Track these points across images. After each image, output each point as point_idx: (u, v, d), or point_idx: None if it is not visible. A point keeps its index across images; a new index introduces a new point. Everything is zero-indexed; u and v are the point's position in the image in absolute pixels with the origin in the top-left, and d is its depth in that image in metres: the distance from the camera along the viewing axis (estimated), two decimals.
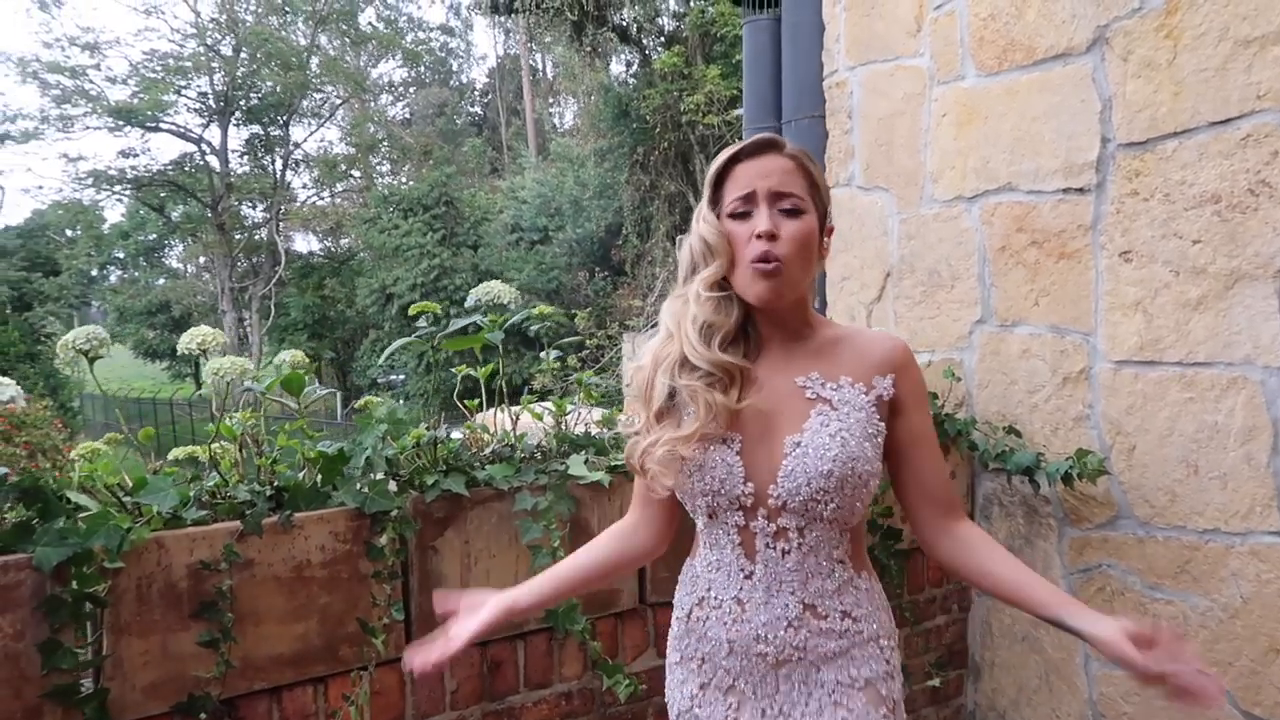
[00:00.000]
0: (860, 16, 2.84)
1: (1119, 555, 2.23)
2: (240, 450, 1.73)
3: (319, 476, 1.72)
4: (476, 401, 2.02)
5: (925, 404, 1.34)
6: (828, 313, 2.92)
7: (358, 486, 1.70)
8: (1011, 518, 2.49)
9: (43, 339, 21.86)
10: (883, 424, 1.28)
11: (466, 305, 1.95)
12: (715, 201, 1.30)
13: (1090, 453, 2.21)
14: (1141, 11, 2.13)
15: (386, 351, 2.02)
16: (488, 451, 1.89)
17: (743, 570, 1.28)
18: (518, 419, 2.01)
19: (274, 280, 24.82)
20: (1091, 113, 2.23)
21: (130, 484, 1.59)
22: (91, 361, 1.59)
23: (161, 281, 29.67)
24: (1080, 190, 2.26)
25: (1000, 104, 2.43)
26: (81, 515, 1.47)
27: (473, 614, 1.34)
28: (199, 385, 1.81)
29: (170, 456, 1.78)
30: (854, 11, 2.85)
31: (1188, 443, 2.08)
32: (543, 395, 2.25)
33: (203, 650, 1.55)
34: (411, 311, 1.88)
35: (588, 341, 14.15)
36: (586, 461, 1.94)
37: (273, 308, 24.94)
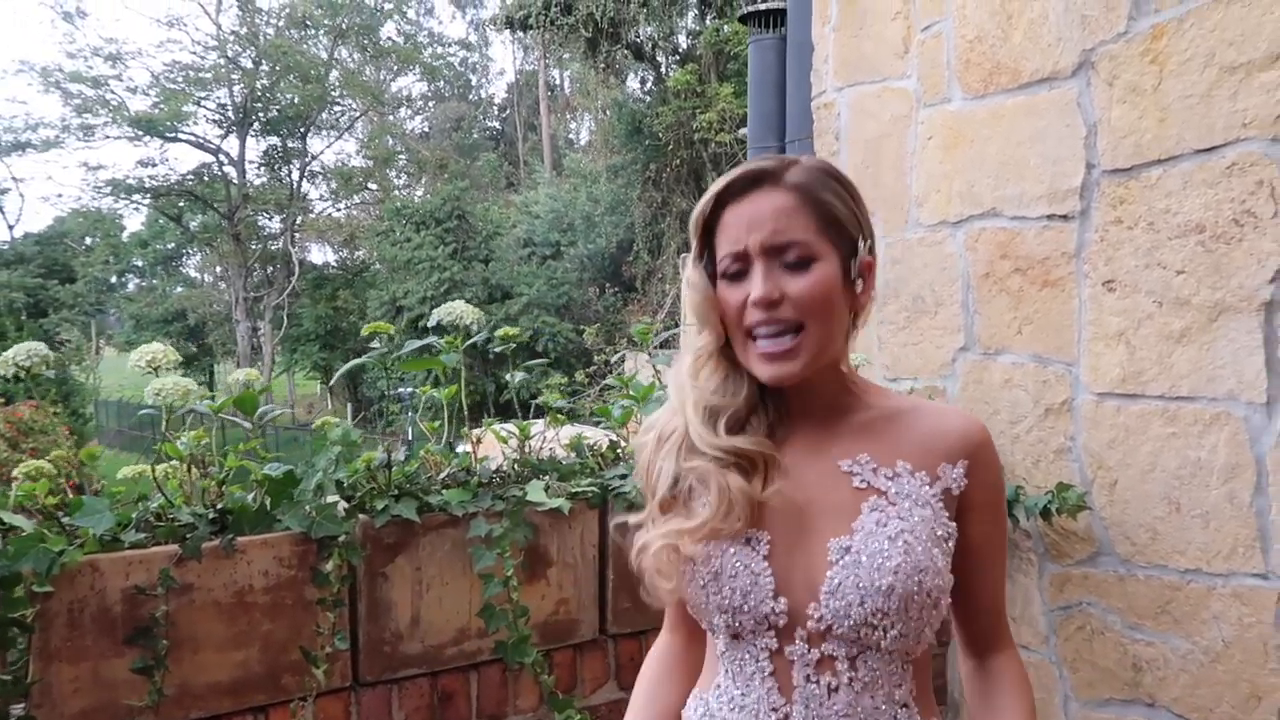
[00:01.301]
0: (849, 37, 2.80)
1: (1100, 593, 2.16)
2: (189, 471, 1.70)
3: (267, 499, 1.68)
4: (437, 424, 1.98)
5: (1002, 505, 1.08)
6: None
7: (305, 510, 1.66)
8: None
9: (57, 345, 22.03)
10: (953, 524, 1.02)
11: (429, 325, 1.91)
12: (703, 255, 1.04)
13: (1070, 487, 2.15)
14: (1127, 36, 2.08)
15: (338, 373, 1.99)
16: (443, 475, 1.84)
17: (775, 711, 0.99)
18: (479, 441, 1.97)
19: (288, 291, 24.97)
20: (1076, 138, 2.18)
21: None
22: (34, 379, 1.56)
23: (179, 290, 29.92)
24: (1064, 217, 2.20)
25: (986, 128, 2.38)
26: (13, 537, 1.43)
27: None
28: (212, 392, 1.79)
29: (119, 475, 1.74)
30: (842, 32, 2.82)
31: (1170, 479, 2.01)
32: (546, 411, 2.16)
33: (136, 678, 1.51)
34: (364, 332, 1.85)
35: (595, 357, 14.12)
36: (547, 488, 1.89)
37: (285, 318, 25.06)
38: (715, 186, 1.04)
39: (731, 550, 1.00)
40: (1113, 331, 2.10)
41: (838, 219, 1.01)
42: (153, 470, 1.65)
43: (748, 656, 1.01)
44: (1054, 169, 2.22)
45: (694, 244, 1.06)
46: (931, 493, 1.01)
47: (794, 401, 1.06)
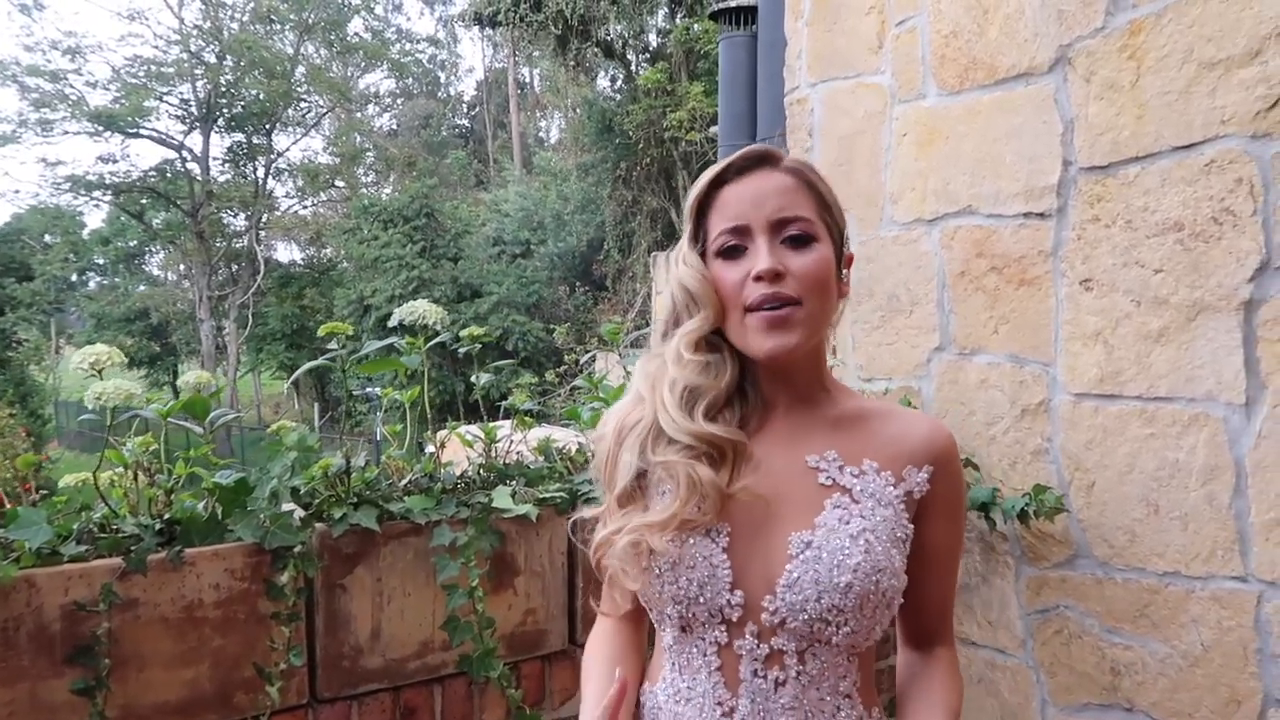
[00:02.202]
0: (822, 32, 2.75)
1: (1077, 596, 2.13)
2: (134, 479, 1.61)
3: (218, 508, 1.60)
4: (400, 427, 1.91)
5: (961, 513, 1.08)
6: None
7: (259, 519, 1.58)
8: (968, 554, 2.38)
9: (14, 345, 21.52)
10: (911, 526, 1.02)
11: (390, 325, 1.84)
12: (698, 237, 1.04)
13: (1048, 489, 2.11)
14: (1105, 31, 2.05)
15: (295, 374, 1.91)
16: (405, 481, 1.77)
17: (720, 705, 0.99)
18: (443, 445, 1.90)
19: (253, 289, 24.58)
20: (1053, 135, 2.15)
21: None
22: None
23: (141, 288, 29.36)
24: (1041, 215, 2.17)
25: (961, 124, 2.35)
26: None
27: None
28: (176, 394, 1.71)
29: (61, 484, 1.65)
30: (816, 27, 2.77)
31: (1148, 480, 1.99)
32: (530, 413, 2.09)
33: (77, 699, 1.42)
34: (321, 333, 1.77)
35: (566, 357, 14.03)
36: (514, 494, 1.82)
37: (251, 317, 24.67)
38: (713, 168, 1.04)
39: (691, 541, 0.99)
40: (1090, 331, 2.07)
41: (830, 207, 1.05)
42: (95, 478, 1.56)
43: (695, 650, 1.01)
44: (1030, 166, 2.19)
45: (688, 226, 1.05)
46: (895, 494, 1.01)
47: (769, 391, 1.05)
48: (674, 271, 1.04)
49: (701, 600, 0.98)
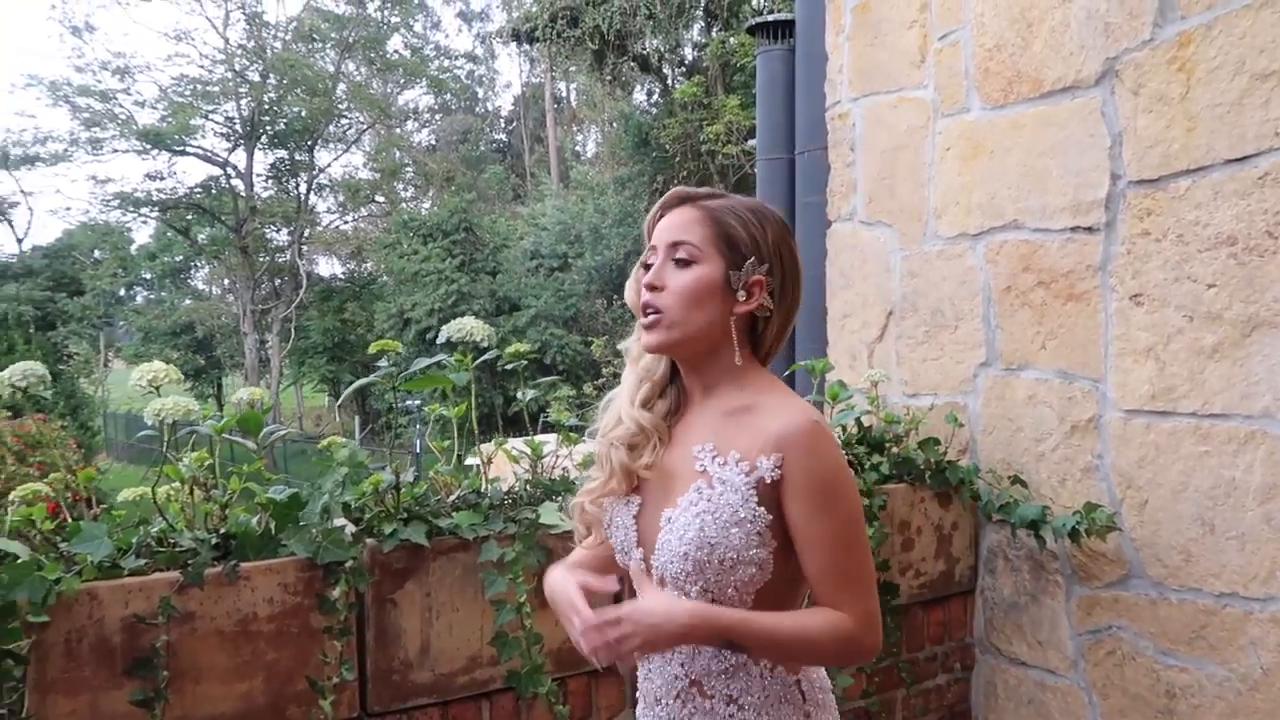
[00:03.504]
0: (863, 46, 2.75)
1: (1130, 617, 2.09)
2: (190, 494, 1.65)
3: (272, 523, 1.63)
4: (447, 442, 1.93)
5: (818, 495, 1.15)
6: (829, 352, 2.82)
7: (311, 534, 1.60)
8: (1017, 573, 2.35)
9: (65, 358, 22.01)
10: (762, 508, 1.15)
11: (437, 342, 1.86)
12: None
13: (1099, 507, 2.08)
14: (1153, 43, 2.03)
15: (345, 392, 1.94)
16: (454, 497, 1.79)
17: None
18: (490, 461, 1.91)
19: (295, 303, 24.93)
20: (1101, 148, 2.12)
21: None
22: (30, 399, 1.52)
23: (187, 302, 29.92)
24: (1089, 229, 2.15)
25: (1006, 138, 2.33)
26: (7, 564, 1.38)
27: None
28: (220, 406, 1.74)
29: (120, 498, 1.69)
30: (857, 41, 2.77)
31: (1203, 499, 1.95)
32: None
33: (136, 710, 1.45)
34: (372, 349, 1.80)
35: (604, 370, 14.08)
36: (560, 509, 1.83)
37: (293, 330, 25.03)
38: (658, 204, 1.29)
39: (617, 507, 1.27)
40: (1141, 347, 2.04)
41: (731, 237, 1.22)
42: (153, 493, 1.60)
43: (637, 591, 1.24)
44: (1077, 180, 2.17)
45: (645, 244, 1.29)
46: (746, 480, 1.16)
47: (688, 385, 1.28)
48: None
49: (623, 552, 1.26)
